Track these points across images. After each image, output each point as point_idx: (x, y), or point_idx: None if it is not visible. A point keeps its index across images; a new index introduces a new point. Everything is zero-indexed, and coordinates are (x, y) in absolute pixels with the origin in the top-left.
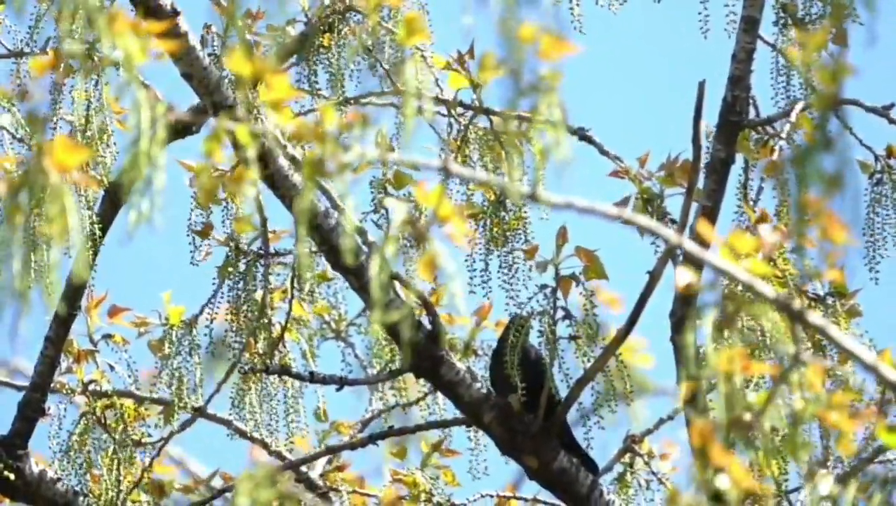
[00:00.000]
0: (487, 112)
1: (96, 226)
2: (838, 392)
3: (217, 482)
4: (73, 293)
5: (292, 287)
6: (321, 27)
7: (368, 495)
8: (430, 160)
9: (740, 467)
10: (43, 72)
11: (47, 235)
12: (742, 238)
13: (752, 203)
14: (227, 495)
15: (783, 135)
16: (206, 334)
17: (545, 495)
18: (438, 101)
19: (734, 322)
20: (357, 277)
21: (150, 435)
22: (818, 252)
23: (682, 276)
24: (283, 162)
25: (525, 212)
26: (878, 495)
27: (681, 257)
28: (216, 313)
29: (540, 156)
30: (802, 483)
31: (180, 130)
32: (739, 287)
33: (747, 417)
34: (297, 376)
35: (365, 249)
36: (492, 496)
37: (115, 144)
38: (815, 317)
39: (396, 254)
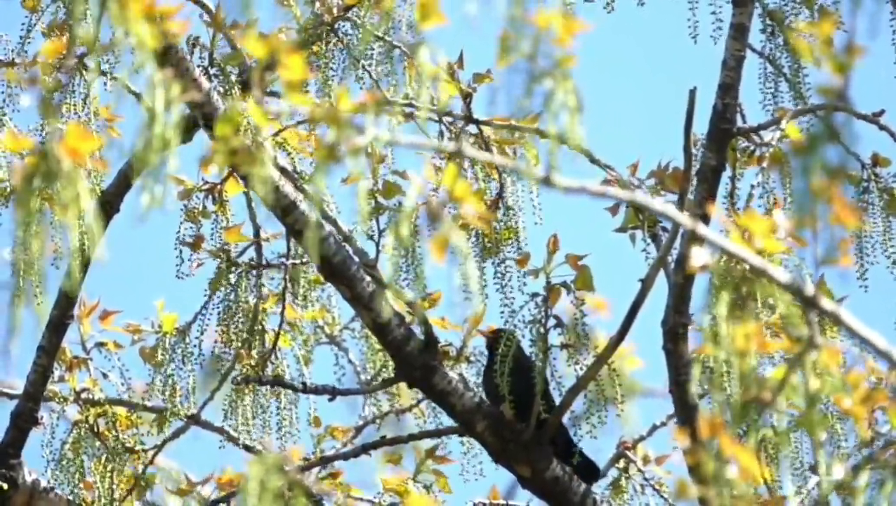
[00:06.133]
0: (477, 122)
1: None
2: (852, 372)
3: (211, 487)
4: (66, 301)
5: (284, 297)
6: (310, 38)
7: (362, 500)
8: (443, 143)
9: (749, 458)
10: (54, 57)
11: (61, 220)
12: (756, 219)
13: (739, 211)
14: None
15: (773, 142)
16: (197, 343)
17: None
18: (429, 110)
19: (747, 304)
20: (349, 288)
21: (143, 443)
22: (829, 239)
23: (699, 255)
24: (274, 172)
25: (516, 223)
26: (890, 482)
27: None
28: (207, 325)
29: (554, 141)
30: (794, 491)
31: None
32: (752, 271)
33: (766, 394)
34: (290, 387)
35: (356, 258)
36: (485, 505)
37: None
38: (828, 303)
39: (411, 232)
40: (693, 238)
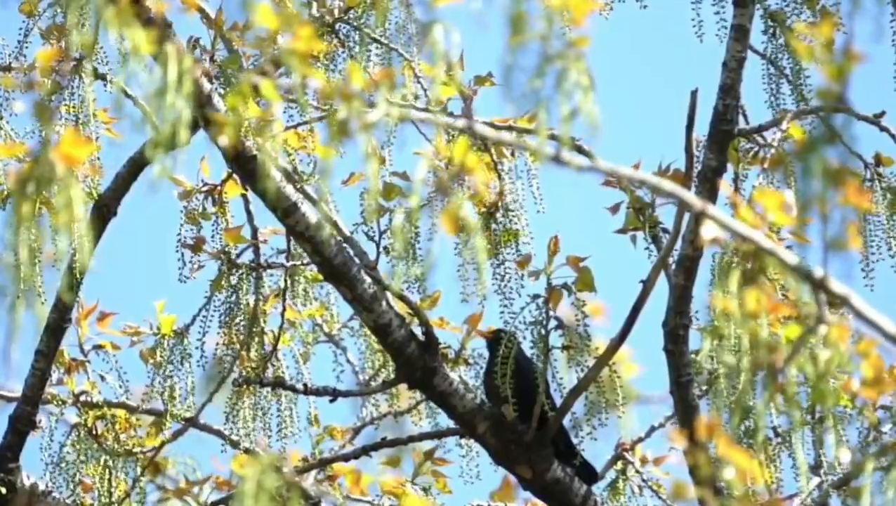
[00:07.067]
0: (477, 123)
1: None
2: (863, 342)
3: (209, 486)
4: (63, 305)
5: (284, 297)
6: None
7: (360, 501)
8: (454, 119)
9: (746, 459)
10: (49, 63)
11: (55, 225)
12: (767, 194)
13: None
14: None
15: (774, 143)
16: (198, 347)
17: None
18: (427, 110)
19: (756, 280)
20: (350, 289)
21: (141, 445)
22: (840, 223)
23: (709, 230)
24: (276, 174)
25: (515, 225)
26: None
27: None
28: (208, 327)
29: (566, 120)
30: (799, 489)
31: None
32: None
33: (778, 361)
34: (291, 389)
35: (356, 259)
36: None
37: (100, 159)
38: (838, 285)
39: (420, 209)
40: (702, 218)
